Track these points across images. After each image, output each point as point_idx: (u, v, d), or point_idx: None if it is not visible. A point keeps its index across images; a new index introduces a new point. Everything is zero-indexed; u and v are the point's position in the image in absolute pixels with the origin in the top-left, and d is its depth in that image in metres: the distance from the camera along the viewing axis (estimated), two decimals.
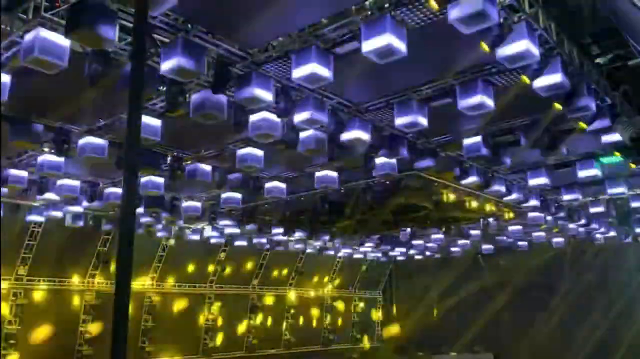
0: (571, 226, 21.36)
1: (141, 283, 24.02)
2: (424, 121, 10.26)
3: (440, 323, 31.50)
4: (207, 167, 14.08)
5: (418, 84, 10.13)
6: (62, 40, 7.53)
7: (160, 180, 14.79)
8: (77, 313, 22.17)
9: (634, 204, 17.76)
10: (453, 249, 28.74)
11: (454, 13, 6.88)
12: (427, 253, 30.39)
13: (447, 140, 12.93)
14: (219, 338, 26.68)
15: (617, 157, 12.70)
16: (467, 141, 12.20)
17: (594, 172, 13.75)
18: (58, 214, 18.31)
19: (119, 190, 15.41)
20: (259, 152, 12.57)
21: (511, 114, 11.36)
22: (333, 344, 31.93)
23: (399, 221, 22.04)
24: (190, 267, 25.76)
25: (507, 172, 15.10)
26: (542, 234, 24.55)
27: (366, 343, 33.89)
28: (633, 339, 24.64)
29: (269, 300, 29.31)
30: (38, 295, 21.03)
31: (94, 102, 10.29)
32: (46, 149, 12.61)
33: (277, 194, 15.81)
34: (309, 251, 28.11)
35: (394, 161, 13.07)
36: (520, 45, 7.57)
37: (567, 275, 28.27)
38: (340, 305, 33.10)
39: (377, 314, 35.39)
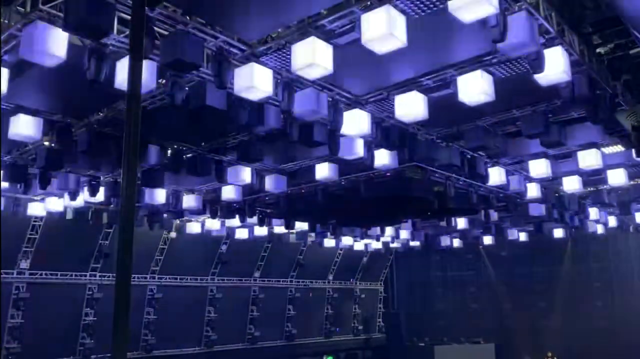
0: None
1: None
2: (424, 112, 10.22)
3: (442, 314, 31.59)
4: None
5: (418, 75, 10.08)
6: None
7: None
8: (79, 306, 22.24)
9: None
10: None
11: (453, 2, 6.84)
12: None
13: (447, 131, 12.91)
14: None
15: None
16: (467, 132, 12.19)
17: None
18: (59, 207, 18.33)
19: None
20: None
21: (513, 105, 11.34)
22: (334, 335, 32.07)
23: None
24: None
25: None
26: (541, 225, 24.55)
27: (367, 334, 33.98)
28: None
29: None
30: (40, 288, 21.06)
31: None
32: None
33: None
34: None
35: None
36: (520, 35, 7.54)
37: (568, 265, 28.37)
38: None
39: (378, 305, 35.48)
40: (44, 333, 20.34)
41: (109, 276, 22.21)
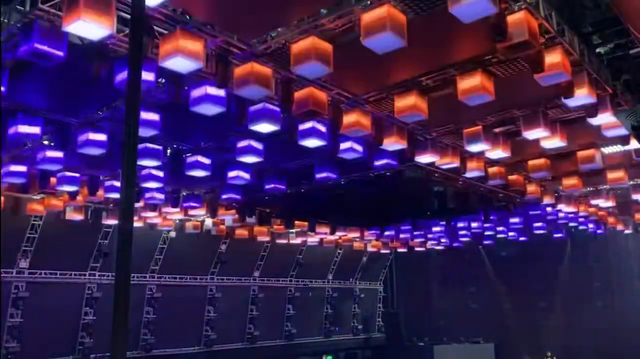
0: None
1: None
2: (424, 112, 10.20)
3: (442, 314, 31.58)
4: None
5: (418, 74, 10.06)
6: None
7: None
8: (78, 305, 22.23)
9: None
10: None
11: (454, 2, 6.83)
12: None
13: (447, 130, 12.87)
14: None
15: None
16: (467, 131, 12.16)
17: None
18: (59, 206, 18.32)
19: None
20: None
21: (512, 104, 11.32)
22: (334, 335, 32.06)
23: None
24: None
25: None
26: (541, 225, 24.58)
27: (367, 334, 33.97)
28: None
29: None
30: (39, 288, 21.04)
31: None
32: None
33: None
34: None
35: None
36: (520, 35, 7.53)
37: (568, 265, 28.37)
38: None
39: (377, 305, 35.46)
40: (43, 332, 20.32)
41: (108, 276, 22.20)
